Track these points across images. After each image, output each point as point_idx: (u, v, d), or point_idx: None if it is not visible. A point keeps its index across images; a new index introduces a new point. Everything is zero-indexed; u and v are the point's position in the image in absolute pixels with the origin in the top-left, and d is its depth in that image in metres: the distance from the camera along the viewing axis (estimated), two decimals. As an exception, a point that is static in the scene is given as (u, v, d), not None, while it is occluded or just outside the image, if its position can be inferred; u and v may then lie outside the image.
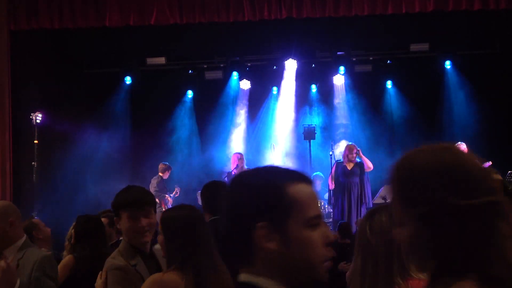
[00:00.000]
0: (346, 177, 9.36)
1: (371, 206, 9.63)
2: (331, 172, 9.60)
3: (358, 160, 9.60)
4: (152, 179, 10.29)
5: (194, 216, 2.55)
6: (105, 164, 10.90)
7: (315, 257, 1.27)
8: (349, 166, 9.39)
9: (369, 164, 9.51)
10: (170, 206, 9.97)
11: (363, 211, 9.20)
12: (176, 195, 10.34)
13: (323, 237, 1.28)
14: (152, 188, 10.08)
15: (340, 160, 9.62)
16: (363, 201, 9.30)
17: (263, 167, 1.38)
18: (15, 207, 3.27)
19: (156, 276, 2.47)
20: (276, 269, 1.25)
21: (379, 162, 10.79)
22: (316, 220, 1.28)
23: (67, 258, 3.93)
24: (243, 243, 1.27)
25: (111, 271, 2.65)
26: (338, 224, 7.05)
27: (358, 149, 9.58)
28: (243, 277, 1.29)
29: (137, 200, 2.74)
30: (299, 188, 1.28)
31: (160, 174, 10.34)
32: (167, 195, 10.18)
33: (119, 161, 11.23)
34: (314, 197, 1.30)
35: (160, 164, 10.47)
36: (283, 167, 1.35)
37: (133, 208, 2.73)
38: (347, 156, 9.44)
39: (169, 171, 10.46)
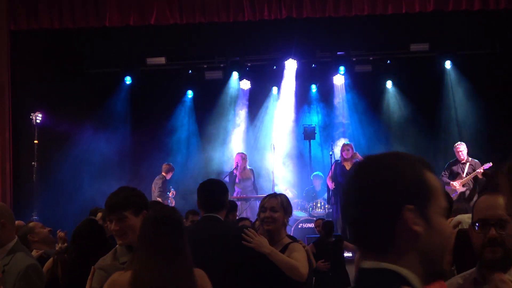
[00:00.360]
0: (345, 176, 9.36)
1: None
2: (330, 172, 9.59)
3: (356, 160, 9.61)
4: (156, 179, 10.30)
5: (161, 218, 2.50)
6: (105, 164, 10.90)
7: (447, 246, 1.27)
8: (348, 166, 9.38)
9: None
10: (172, 206, 9.99)
11: None
12: (172, 196, 10.36)
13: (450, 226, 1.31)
14: (157, 187, 10.11)
15: (339, 160, 9.62)
16: None
17: (391, 152, 1.33)
18: (8, 208, 3.17)
19: (115, 275, 2.52)
20: (414, 256, 1.22)
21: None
22: (446, 210, 1.29)
23: (48, 261, 3.88)
24: (382, 228, 1.22)
25: (96, 270, 2.77)
26: (322, 222, 7.13)
27: (355, 152, 9.57)
28: (369, 264, 1.24)
29: (109, 205, 2.80)
30: (433, 176, 1.28)
31: (164, 174, 10.35)
32: (170, 196, 10.19)
33: (119, 161, 11.23)
34: (443, 186, 1.31)
35: (164, 164, 10.47)
36: (409, 154, 1.34)
37: (107, 212, 2.82)
38: (342, 155, 9.48)
39: (172, 172, 10.47)
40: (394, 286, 1.17)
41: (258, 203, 9.68)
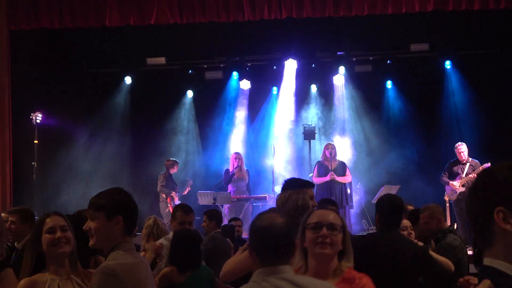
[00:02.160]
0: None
1: (353, 206, 9.66)
2: (314, 172, 9.55)
3: (340, 160, 9.60)
4: (159, 175, 10.35)
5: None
6: (105, 164, 10.91)
7: None
8: (330, 165, 9.35)
9: (346, 179, 9.46)
10: (176, 202, 9.98)
11: (347, 211, 9.19)
12: (185, 192, 10.35)
13: None
14: (159, 183, 10.17)
15: (320, 160, 9.61)
16: (346, 202, 9.27)
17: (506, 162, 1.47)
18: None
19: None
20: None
21: (379, 162, 10.80)
22: None
23: None
24: (484, 226, 1.39)
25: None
26: None
27: (341, 161, 9.59)
28: (486, 261, 1.40)
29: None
30: None
31: (168, 170, 10.37)
32: (173, 192, 10.15)
33: (119, 161, 11.23)
34: None
35: (166, 160, 10.51)
36: None
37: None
38: (325, 154, 9.45)
39: (176, 166, 10.47)
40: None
41: (252, 204, 9.78)
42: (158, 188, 10.19)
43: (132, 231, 2.70)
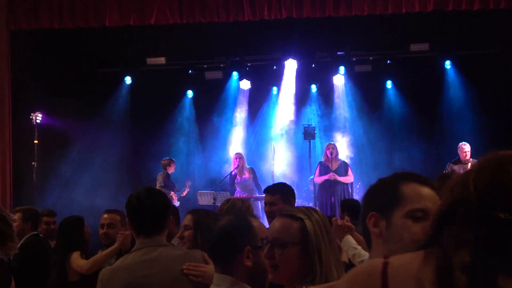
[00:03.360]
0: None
1: None
2: (316, 172, 9.54)
3: (342, 160, 9.60)
4: (158, 175, 10.31)
5: None
6: (105, 164, 10.91)
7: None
8: (333, 166, 9.34)
9: (348, 179, 9.45)
10: (175, 203, 9.94)
11: None
12: (183, 194, 10.32)
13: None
14: (158, 184, 10.11)
15: (322, 160, 9.61)
16: None
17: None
18: None
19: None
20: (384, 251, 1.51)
21: (379, 162, 10.80)
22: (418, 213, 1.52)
23: None
24: (366, 229, 1.60)
25: None
26: None
27: (343, 161, 9.58)
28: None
29: None
30: (409, 186, 1.56)
31: (165, 169, 10.34)
32: (172, 192, 10.12)
33: (118, 161, 11.23)
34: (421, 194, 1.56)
35: (162, 160, 10.47)
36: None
37: None
38: (327, 154, 9.44)
39: (173, 165, 10.43)
40: None
41: (259, 203, 9.76)
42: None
43: (141, 230, 2.71)
